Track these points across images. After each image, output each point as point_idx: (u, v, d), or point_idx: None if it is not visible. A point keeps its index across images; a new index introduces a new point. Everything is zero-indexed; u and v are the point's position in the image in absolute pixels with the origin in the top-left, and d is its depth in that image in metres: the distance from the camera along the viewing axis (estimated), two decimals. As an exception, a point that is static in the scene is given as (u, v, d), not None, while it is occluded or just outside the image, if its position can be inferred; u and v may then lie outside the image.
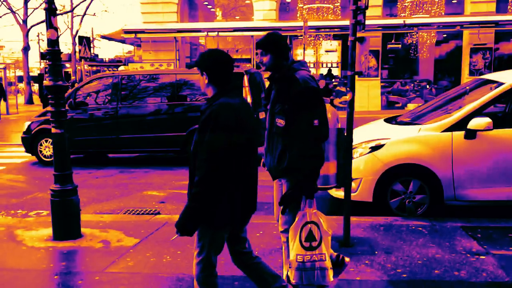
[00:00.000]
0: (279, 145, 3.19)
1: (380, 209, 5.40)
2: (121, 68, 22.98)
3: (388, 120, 6.33)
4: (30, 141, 9.85)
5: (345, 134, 4.28)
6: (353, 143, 4.47)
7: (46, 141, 9.74)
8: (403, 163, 5.32)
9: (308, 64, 22.45)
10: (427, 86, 20.81)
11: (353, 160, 4.61)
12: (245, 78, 8.95)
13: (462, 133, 5.15)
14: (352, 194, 4.63)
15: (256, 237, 4.67)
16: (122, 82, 9.57)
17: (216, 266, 2.81)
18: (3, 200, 7.04)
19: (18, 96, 27.86)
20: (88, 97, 9.81)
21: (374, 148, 5.43)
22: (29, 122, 10.07)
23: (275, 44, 3.20)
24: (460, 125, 5.17)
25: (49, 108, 4.96)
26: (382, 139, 5.48)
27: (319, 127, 3.01)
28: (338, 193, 5.46)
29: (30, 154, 10.11)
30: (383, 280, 3.74)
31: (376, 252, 4.30)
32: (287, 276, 3.30)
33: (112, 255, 4.43)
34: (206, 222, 2.64)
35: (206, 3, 24.70)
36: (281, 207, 3.05)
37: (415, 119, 5.96)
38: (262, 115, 8.67)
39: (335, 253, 3.91)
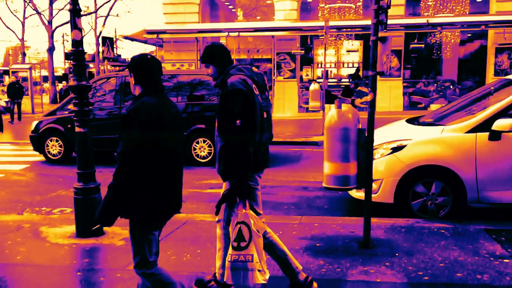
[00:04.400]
0: (219, 146, 3.30)
1: (401, 211, 5.34)
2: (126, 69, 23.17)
3: (410, 121, 6.25)
4: (38, 140, 10.12)
5: (366, 134, 4.25)
6: (374, 144, 4.43)
7: (53, 140, 10.01)
8: (425, 164, 5.25)
9: (329, 64, 22.49)
10: (451, 87, 20.46)
11: (374, 161, 4.57)
12: None
13: (487, 134, 5.05)
14: (372, 195, 4.59)
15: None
16: (126, 82, 9.69)
17: (155, 262, 2.92)
18: (28, 198, 7.20)
19: (43, 95, 28.42)
20: (93, 97, 9.90)
21: (395, 149, 5.37)
22: (36, 121, 10.33)
23: (213, 55, 3.35)
24: (484, 126, 5.08)
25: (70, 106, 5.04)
26: (404, 140, 5.41)
27: (241, 127, 3.05)
28: (359, 194, 5.42)
29: (38, 152, 10.32)
30: (403, 283, 3.70)
31: (397, 254, 4.25)
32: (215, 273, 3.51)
33: (133, 252, 4.48)
34: (130, 216, 2.78)
35: (227, 3, 24.75)
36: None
37: (438, 120, 5.87)
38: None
39: (304, 274, 3.53)
